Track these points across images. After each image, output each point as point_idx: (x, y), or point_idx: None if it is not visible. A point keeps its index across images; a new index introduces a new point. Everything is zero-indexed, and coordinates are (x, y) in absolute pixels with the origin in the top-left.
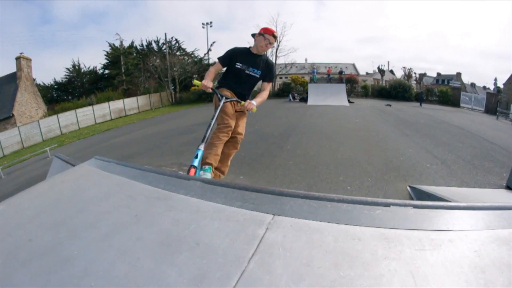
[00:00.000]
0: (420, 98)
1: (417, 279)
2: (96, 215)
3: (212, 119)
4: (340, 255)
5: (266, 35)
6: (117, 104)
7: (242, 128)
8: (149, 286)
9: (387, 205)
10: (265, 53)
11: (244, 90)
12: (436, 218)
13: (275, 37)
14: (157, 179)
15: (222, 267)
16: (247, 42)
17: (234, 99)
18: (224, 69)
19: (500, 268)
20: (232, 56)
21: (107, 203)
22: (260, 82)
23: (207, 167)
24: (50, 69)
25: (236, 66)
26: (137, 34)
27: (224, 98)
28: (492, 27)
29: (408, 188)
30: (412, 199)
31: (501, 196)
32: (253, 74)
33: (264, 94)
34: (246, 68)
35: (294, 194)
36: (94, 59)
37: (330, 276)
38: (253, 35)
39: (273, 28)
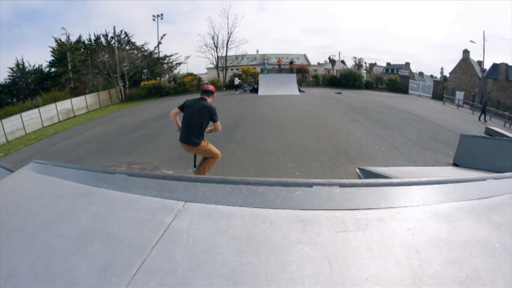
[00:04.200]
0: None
1: (334, 264)
2: (26, 217)
3: None
4: (246, 240)
5: None
6: (64, 105)
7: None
8: (61, 279)
9: (310, 185)
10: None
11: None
12: (365, 196)
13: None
14: (86, 176)
15: (126, 256)
16: (198, 34)
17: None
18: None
19: (438, 246)
20: None
21: (37, 205)
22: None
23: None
24: None
25: None
26: (81, 30)
27: None
28: (437, 21)
29: (357, 169)
30: None
31: (448, 172)
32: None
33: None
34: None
35: (209, 180)
36: (39, 57)
37: (231, 263)
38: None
39: None
